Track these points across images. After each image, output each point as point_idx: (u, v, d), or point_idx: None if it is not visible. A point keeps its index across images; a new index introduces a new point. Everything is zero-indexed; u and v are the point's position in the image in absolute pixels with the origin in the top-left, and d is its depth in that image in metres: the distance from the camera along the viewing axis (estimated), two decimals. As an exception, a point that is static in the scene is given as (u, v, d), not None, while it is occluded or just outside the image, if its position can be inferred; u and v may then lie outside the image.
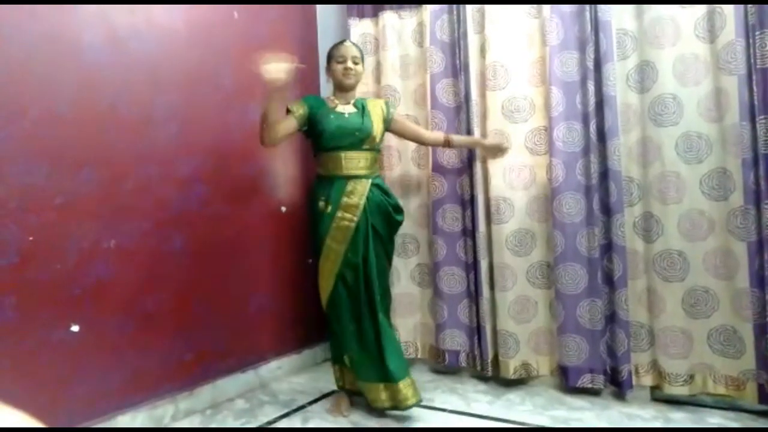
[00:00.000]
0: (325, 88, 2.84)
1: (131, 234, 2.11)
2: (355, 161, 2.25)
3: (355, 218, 2.19)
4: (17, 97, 1.79)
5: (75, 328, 1.91)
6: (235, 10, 2.60)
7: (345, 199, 2.20)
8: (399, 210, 2.37)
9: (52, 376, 1.84)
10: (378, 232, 2.27)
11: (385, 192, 2.33)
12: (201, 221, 2.39)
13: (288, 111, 2.26)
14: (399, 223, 2.38)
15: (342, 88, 2.33)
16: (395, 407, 2.17)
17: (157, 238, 2.21)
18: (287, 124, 2.22)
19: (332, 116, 2.26)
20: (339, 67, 2.29)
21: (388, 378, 2.16)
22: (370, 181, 2.26)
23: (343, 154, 2.24)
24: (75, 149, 1.94)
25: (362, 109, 2.31)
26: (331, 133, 2.23)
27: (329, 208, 2.21)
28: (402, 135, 2.50)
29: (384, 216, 2.28)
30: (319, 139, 2.26)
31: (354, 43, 2.39)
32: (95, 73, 2.01)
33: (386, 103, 2.43)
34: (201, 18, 2.43)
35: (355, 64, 2.29)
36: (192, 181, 2.36)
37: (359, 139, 2.25)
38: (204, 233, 2.40)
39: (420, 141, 2.56)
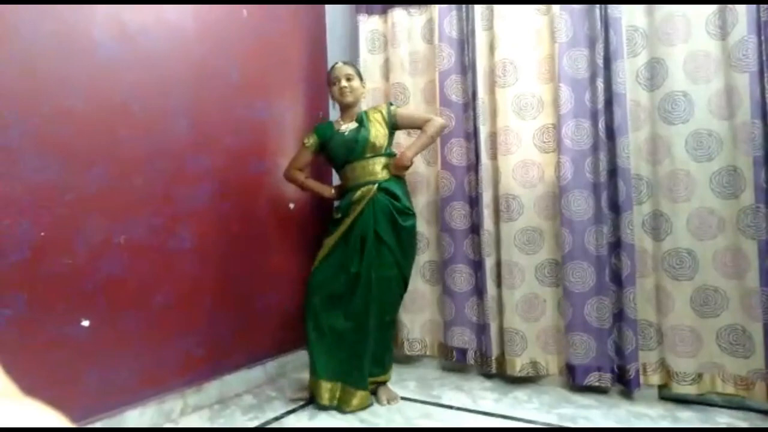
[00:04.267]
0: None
1: (141, 230, 2.12)
2: (359, 170, 2.35)
3: (349, 219, 2.30)
4: (29, 94, 1.80)
5: (85, 323, 1.93)
6: (244, 8, 2.61)
7: (353, 206, 2.31)
8: (405, 213, 2.31)
9: (63, 371, 1.86)
10: (383, 240, 2.26)
11: (393, 195, 2.30)
12: (210, 218, 2.40)
13: (303, 144, 2.48)
14: (408, 230, 2.30)
15: (344, 107, 2.45)
16: (338, 408, 2.25)
17: (167, 234, 2.22)
18: (301, 157, 2.50)
19: (335, 137, 2.40)
20: (335, 89, 2.41)
21: (346, 380, 2.26)
22: (375, 185, 2.30)
23: (350, 167, 2.38)
24: (86, 146, 1.95)
25: (362, 121, 2.38)
26: (337, 152, 2.39)
27: (339, 215, 2.35)
28: (409, 126, 2.49)
29: (389, 221, 2.28)
30: (332, 160, 2.46)
31: (347, 62, 2.46)
32: (106, 70, 2.02)
33: (388, 105, 2.46)
34: (210, 15, 2.44)
35: (349, 80, 2.38)
36: (201, 177, 2.37)
37: (360, 149, 2.34)
38: (213, 229, 2.41)
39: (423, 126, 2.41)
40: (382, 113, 2.41)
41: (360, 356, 2.26)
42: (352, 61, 2.51)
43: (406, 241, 2.32)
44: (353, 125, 2.39)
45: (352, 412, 2.22)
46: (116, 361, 2.03)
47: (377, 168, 2.34)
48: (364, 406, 2.25)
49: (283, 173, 2.56)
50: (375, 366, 2.33)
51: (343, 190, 2.42)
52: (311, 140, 2.45)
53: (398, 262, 2.30)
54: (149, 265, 2.15)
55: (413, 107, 2.82)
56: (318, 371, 2.29)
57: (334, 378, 2.28)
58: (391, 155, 2.39)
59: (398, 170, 2.36)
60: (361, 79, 2.44)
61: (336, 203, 2.50)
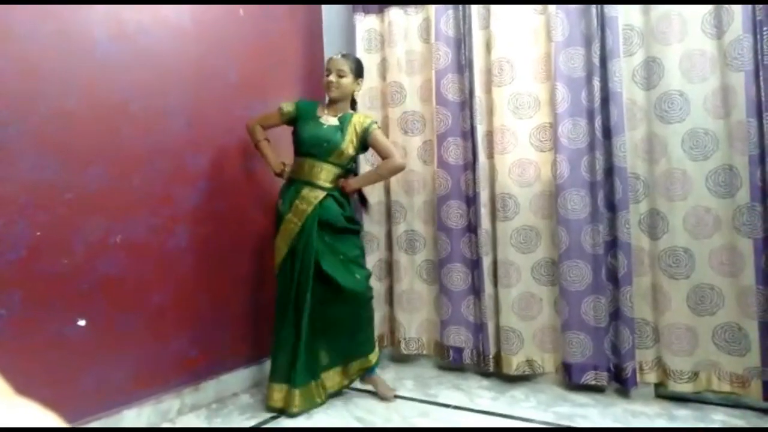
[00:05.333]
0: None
1: (139, 229, 2.12)
2: (316, 170, 2.31)
3: (300, 222, 2.26)
4: (28, 94, 1.80)
5: (82, 323, 1.92)
6: (241, 7, 2.60)
7: (296, 203, 2.29)
8: (353, 221, 2.40)
9: (59, 370, 1.85)
10: (326, 241, 2.28)
11: (341, 204, 2.34)
12: (207, 217, 2.40)
13: (279, 108, 2.41)
14: (353, 232, 2.39)
15: (330, 100, 2.39)
16: (284, 411, 2.21)
17: (164, 234, 2.22)
18: (271, 117, 2.43)
19: (312, 123, 2.34)
20: (324, 80, 2.36)
21: (289, 381, 2.22)
22: (325, 192, 2.30)
23: (308, 162, 2.32)
24: (84, 145, 1.95)
25: (343, 123, 2.34)
26: (305, 139, 2.33)
27: (281, 209, 2.32)
28: (376, 151, 2.44)
29: (336, 223, 2.30)
30: (295, 143, 2.38)
31: (346, 55, 2.39)
32: (104, 69, 2.02)
33: (371, 122, 2.38)
34: (208, 15, 2.44)
35: (340, 77, 2.32)
36: (199, 176, 2.37)
37: (328, 150, 2.30)
38: (210, 229, 2.41)
39: (384, 158, 2.41)
40: (361, 126, 2.35)
41: (302, 354, 2.23)
42: (358, 60, 2.44)
43: (351, 241, 2.38)
44: (334, 122, 2.35)
45: (297, 413, 2.18)
46: (113, 361, 2.02)
47: (330, 176, 2.32)
48: (306, 405, 2.22)
49: (247, 123, 2.45)
50: (364, 345, 2.36)
51: (291, 177, 2.36)
52: (288, 109, 2.39)
53: (349, 251, 2.35)
54: (146, 264, 2.15)
55: (407, 106, 2.82)
56: (272, 373, 2.28)
57: (283, 381, 2.25)
58: (349, 171, 2.40)
59: (341, 191, 2.37)
60: (358, 75, 2.38)
61: (279, 193, 2.40)
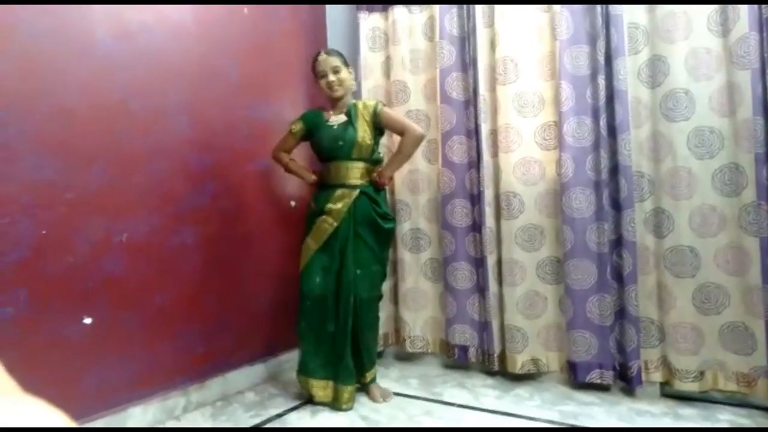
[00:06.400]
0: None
1: (142, 228, 2.13)
2: (344, 171, 2.32)
3: (335, 223, 2.28)
4: (29, 93, 1.80)
5: (87, 321, 1.93)
6: (245, 7, 2.61)
7: (330, 205, 2.30)
8: (387, 218, 2.37)
9: (65, 369, 1.87)
10: (364, 240, 2.30)
11: (374, 201, 2.33)
12: (211, 216, 2.41)
13: (290, 130, 2.44)
14: (388, 231, 2.36)
15: (333, 99, 2.37)
16: (333, 405, 2.26)
17: (168, 233, 2.23)
18: (286, 140, 2.46)
19: (324, 130, 2.35)
20: (323, 83, 2.34)
21: (337, 378, 2.27)
22: (357, 190, 2.30)
23: (333, 165, 2.34)
24: (86, 144, 1.96)
25: (351, 116, 2.33)
26: (323, 146, 2.36)
27: (314, 209, 2.35)
28: (391, 130, 2.45)
29: (371, 224, 2.31)
30: (316, 152, 2.43)
31: (330, 51, 2.36)
32: (106, 68, 2.03)
33: (377, 103, 2.37)
34: (211, 14, 2.44)
35: (336, 73, 2.31)
36: (202, 175, 2.38)
37: (347, 148, 2.30)
38: (214, 227, 2.42)
39: (402, 134, 2.37)
40: (369, 111, 2.34)
41: (348, 354, 2.27)
42: (339, 51, 2.40)
43: (385, 242, 2.39)
44: (342, 118, 2.34)
45: (347, 408, 2.23)
46: (119, 359, 2.03)
47: (358, 173, 2.32)
48: (353, 401, 2.27)
49: (271, 153, 2.51)
50: (366, 360, 2.35)
51: (322, 183, 2.39)
52: (298, 127, 2.41)
53: (380, 260, 2.37)
54: (151, 263, 2.15)
55: (411, 105, 2.82)
56: (309, 370, 2.31)
57: (326, 377, 2.29)
58: (376, 162, 2.39)
59: (377, 186, 2.37)
60: (347, 66, 2.36)
61: (312, 197, 2.44)
